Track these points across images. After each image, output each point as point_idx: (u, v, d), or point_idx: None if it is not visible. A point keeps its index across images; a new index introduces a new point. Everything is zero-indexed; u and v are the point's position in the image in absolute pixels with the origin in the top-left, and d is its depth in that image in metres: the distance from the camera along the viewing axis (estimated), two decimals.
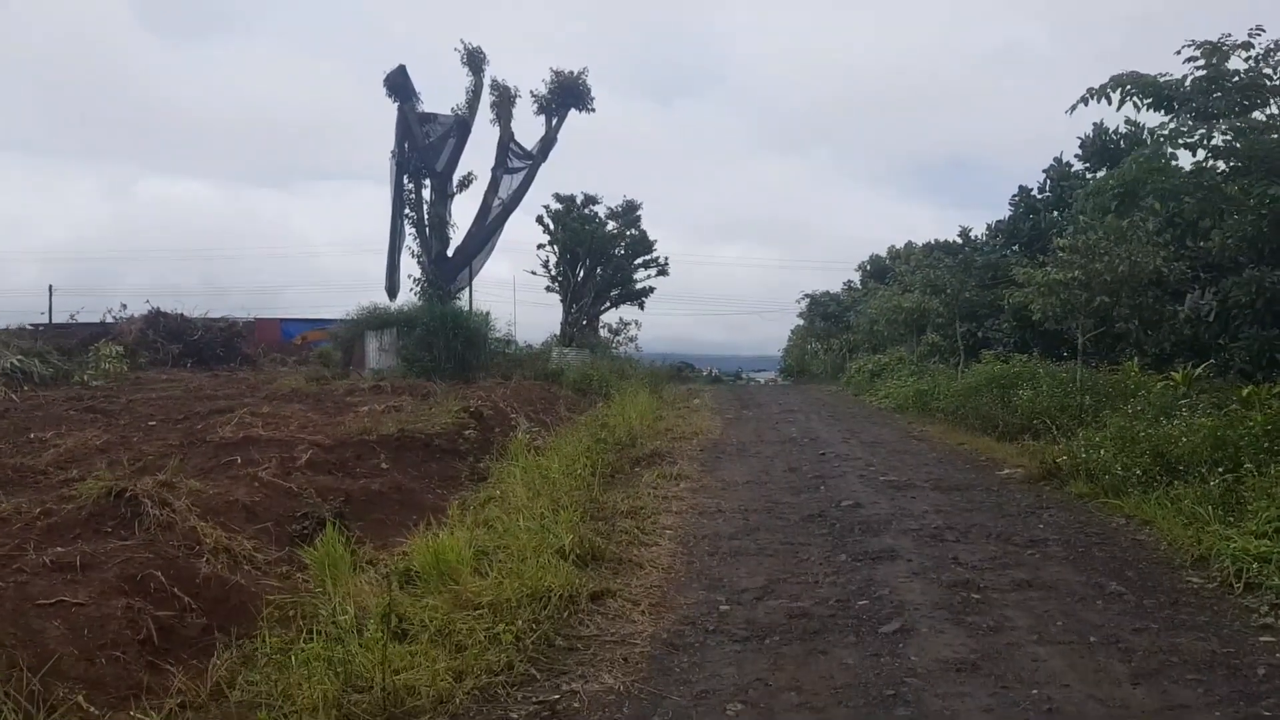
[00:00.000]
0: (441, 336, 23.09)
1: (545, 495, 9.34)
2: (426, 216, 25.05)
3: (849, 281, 45.67)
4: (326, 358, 26.63)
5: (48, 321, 44.26)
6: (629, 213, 41.79)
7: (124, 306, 36.88)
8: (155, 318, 32.96)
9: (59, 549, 6.51)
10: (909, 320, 25.91)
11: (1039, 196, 25.19)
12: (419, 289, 25.03)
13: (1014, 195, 25.78)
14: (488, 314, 25.04)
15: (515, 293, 60.97)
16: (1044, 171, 25.18)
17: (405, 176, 24.97)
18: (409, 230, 25.16)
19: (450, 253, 25.35)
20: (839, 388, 29.84)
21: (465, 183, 25.75)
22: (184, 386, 20.78)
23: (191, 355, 31.64)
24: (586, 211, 40.28)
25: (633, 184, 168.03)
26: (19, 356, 17.63)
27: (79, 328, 38.06)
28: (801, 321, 48.16)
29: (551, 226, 38.79)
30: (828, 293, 44.85)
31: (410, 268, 25.48)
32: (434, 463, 12.31)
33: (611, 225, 40.78)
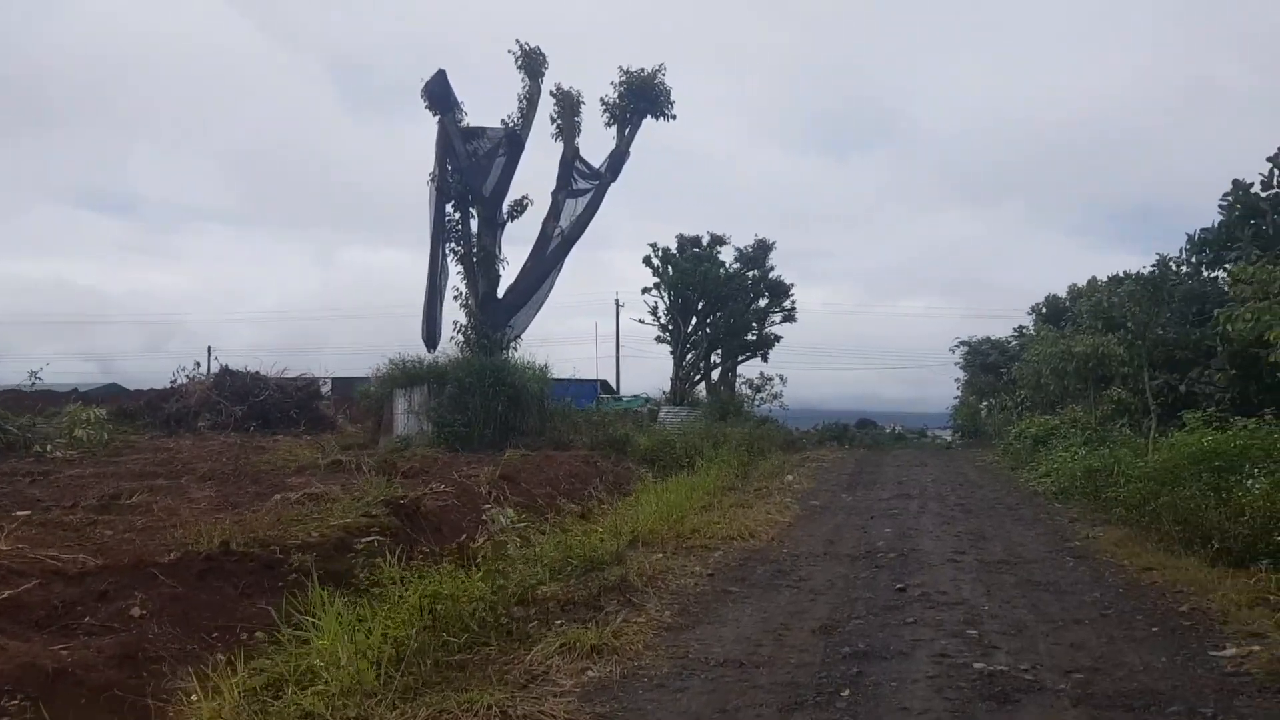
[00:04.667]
0: (478, 395, 18.86)
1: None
2: (473, 250, 20.95)
3: (1020, 327, 38.16)
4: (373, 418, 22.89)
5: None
6: (759, 253, 36.84)
7: (197, 365, 34.72)
8: (223, 377, 30.35)
9: None
10: (1081, 370, 19.53)
11: (1263, 195, 18.10)
12: (462, 338, 20.88)
13: (1225, 195, 18.44)
14: (544, 367, 20.69)
15: (598, 345, 56.95)
16: (1269, 160, 17.44)
17: (448, 204, 21.02)
18: (454, 268, 21.11)
19: (500, 293, 21.10)
20: (997, 456, 23.69)
21: (518, 209, 21.47)
22: (157, 459, 17.35)
23: (257, 417, 28.71)
24: (708, 252, 35.60)
25: (807, 239, 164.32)
26: None
27: (152, 393, 36.27)
28: (965, 374, 41.27)
29: (659, 267, 34.21)
30: (987, 339, 37.74)
31: (456, 313, 21.39)
32: (258, 596, 7.83)
33: (735, 266, 35.90)
